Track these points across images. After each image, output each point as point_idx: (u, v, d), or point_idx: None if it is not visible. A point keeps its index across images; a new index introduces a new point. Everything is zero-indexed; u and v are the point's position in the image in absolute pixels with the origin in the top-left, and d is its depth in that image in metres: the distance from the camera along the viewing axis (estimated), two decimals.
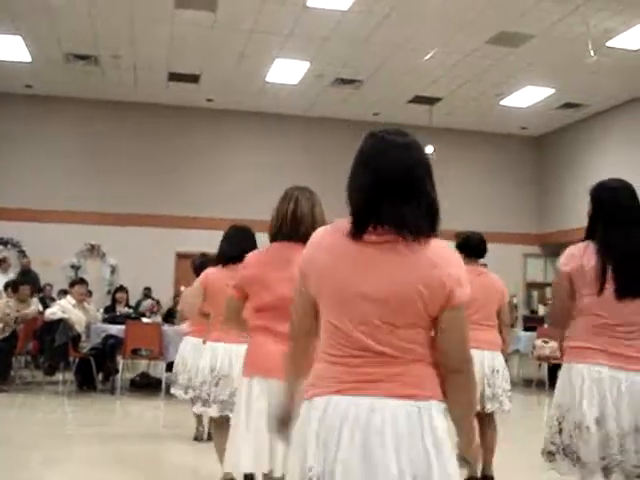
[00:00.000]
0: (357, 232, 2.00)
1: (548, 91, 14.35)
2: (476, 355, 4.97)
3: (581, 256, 3.38)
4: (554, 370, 10.91)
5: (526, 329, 12.45)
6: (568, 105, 15.34)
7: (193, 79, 14.36)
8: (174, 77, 14.26)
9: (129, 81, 14.58)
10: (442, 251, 2.06)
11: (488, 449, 5.16)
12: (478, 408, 5.01)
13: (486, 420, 5.17)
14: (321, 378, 2.03)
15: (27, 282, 10.80)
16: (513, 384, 10.74)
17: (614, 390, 3.23)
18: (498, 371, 5.15)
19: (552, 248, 17.55)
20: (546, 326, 11.77)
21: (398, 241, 1.98)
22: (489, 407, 5.10)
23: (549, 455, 3.44)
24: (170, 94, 15.29)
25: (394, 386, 1.96)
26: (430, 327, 2.03)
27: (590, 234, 3.44)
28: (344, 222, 2.06)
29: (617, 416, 3.20)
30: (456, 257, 2.11)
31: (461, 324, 2.06)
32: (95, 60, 13.34)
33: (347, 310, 2.00)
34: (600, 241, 3.36)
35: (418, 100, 15.25)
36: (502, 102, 15.18)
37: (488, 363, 5.10)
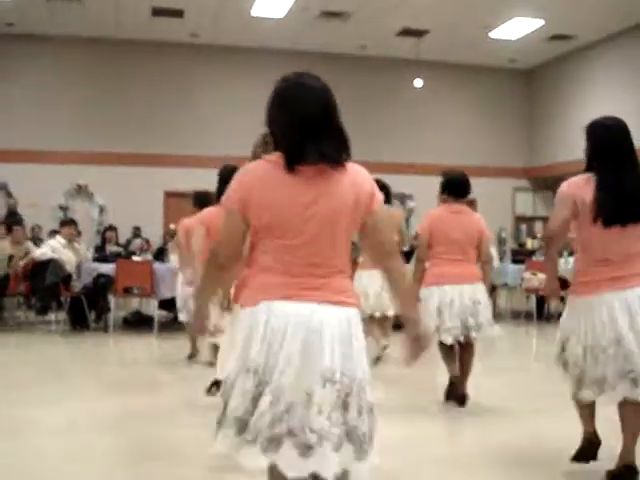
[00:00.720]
0: (291, 166, 2.36)
1: (538, 22, 14.15)
2: (455, 290, 5.34)
3: (582, 187, 3.61)
4: (542, 302, 11.07)
5: (514, 262, 12.56)
6: (558, 37, 15.16)
7: (177, 14, 14.07)
8: (157, 12, 13.95)
9: (111, 17, 14.28)
10: (359, 172, 2.49)
11: (465, 372, 5.48)
12: (460, 338, 5.36)
13: (467, 347, 5.48)
14: (265, 287, 2.38)
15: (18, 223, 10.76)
16: (501, 316, 10.97)
17: (624, 309, 3.52)
18: (480, 302, 5.37)
19: (541, 182, 17.58)
20: (534, 258, 11.88)
21: (325, 169, 2.38)
22: (474, 335, 5.36)
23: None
24: (154, 30, 14.98)
25: (329, 294, 2.38)
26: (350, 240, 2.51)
27: (589, 170, 3.65)
28: (272, 157, 2.41)
29: (635, 330, 3.50)
30: (368, 175, 2.52)
31: (384, 222, 2.57)
32: None
33: (295, 231, 2.37)
34: (597, 178, 3.58)
35: (406, 33, 15.01)
36: (491, 34, 14.96)
37: (469, 295, 5.35)
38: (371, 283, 6.93)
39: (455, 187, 5.48)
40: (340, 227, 2.40)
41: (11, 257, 9.72)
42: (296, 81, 2.45)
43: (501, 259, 12.57)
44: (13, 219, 12.55)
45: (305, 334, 2.31)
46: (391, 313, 7.10)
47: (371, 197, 2.46)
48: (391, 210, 7.54)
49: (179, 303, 7.64)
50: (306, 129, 2.36)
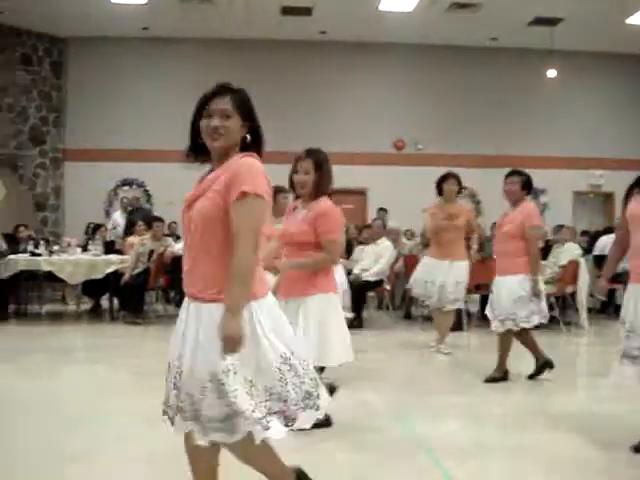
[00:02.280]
0: None
1: None
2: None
3: None
4: None
5: None
6: None
7: (306, 12, 14.26)
8: (287, 10, 14.19)
9: (242, 17, 14.62)
10: None
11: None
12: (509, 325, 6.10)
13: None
14: (262, 280, 2.79)
15: (159, 220, 11.08)
16: None
17: None
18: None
19: None
20: None
21: None
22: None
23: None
24: (283, 28, 15.23)
25: None
26: None
27: None
28: (254, 155, 2.82)
29: None
30: None
31: None
32: None
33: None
34: None
35: (538, 22, 14.59)
36: (628, 20, 14.32)
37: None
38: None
39: (531, 185, 6.09)
40: None
41: (151, 252, 10.14)
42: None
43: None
44: (137, 214, 12.98)
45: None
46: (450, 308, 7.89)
47: None
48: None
49: None
50: None
